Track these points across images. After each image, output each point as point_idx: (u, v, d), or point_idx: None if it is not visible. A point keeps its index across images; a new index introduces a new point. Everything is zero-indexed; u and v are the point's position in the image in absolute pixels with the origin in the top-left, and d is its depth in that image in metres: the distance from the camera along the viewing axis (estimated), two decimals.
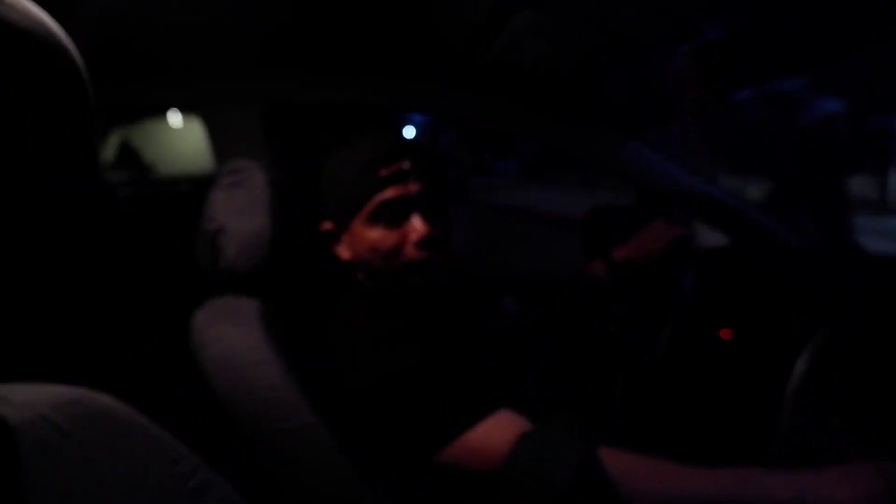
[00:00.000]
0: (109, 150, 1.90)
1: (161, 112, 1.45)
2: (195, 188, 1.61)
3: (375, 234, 0.92)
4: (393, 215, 0.91)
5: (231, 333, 0.95)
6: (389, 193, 0.90)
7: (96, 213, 0.49)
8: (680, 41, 1.15)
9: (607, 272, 1.29)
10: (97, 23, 1.05)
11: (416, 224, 0.91)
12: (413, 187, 0.91)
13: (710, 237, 1.71)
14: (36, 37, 0.38)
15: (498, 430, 0.80)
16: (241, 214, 0.99)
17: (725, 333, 1.29)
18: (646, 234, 1.31)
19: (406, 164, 0.91)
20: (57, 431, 0.44)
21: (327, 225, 0.99)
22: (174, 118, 1.84)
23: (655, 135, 1.65)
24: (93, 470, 0.46)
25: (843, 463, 0.84)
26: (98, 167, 0.50)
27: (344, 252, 0.99)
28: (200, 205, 1.04)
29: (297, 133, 1.43)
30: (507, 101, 1.47)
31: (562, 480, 0.72)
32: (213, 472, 0.59)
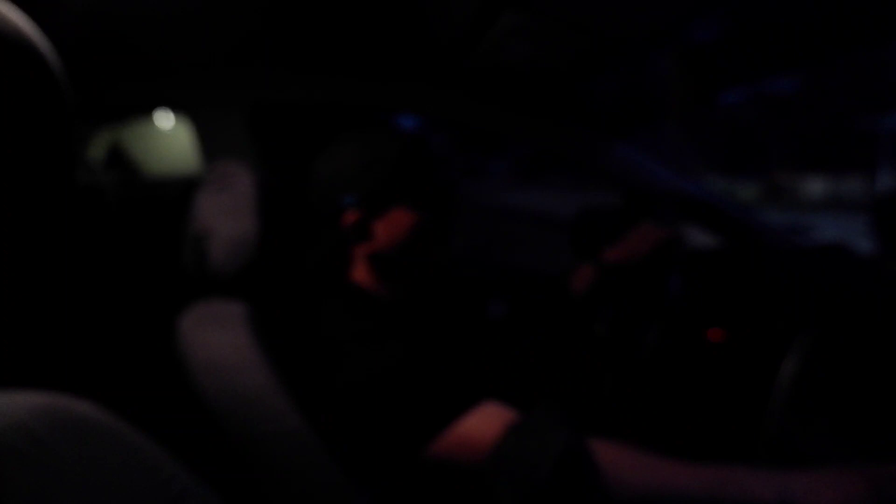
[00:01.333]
0: (99, 150, 1.89)
1: (147, 112, 1.44)
2: (183, 190, 1.60)
3: (418, 217, 0.95)
4: (441, 197, 0.97)
5: (217, 337, 0.94)
6: (442, 175, 0.97)
7: (86, 214, 0.49)
8: (666, 42, 1.16)
9: (595, 273, 1.30)
10: (81, 23, 1.04)
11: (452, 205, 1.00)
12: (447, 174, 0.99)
13: (699, 238, 1.72)
14: (10, 42, 0.38)
15: (484, 422, 0.81)
16: (227, 217, 0.99)
17: (713, 334, 1.30)
18: (633, 235, 1.32)
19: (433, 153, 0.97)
20: (31, 439, 0.44)
21: (353, 216, 0.96)
22: (164, 121, 1.83)
23: (643, 136, 1.66)
24: (67, 479, 0.46)
25: (828, 465, 0.85)
26: (73, 169, 0.50)
27: (371, 244, 0.98)
28: (188, 207, 1.04)
29: (283, 134, 1.42)
30: (494, 103, 1.47)
31: (546, 469, 0.72)
32: (194, 480, 0.58)
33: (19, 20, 0.40)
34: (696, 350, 1.23)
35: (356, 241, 0.98)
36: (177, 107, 1.27)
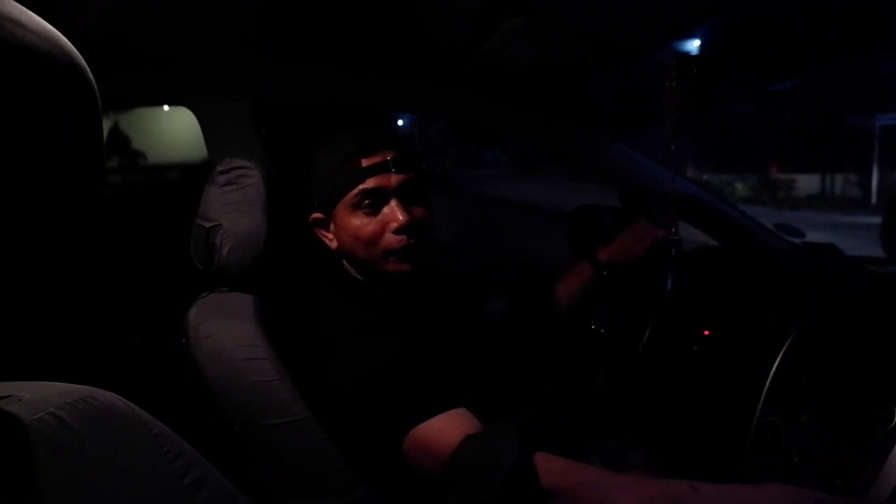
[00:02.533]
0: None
1: (152, 105, 1.45)
2: (184, 175, 1.62)
3: (357, 222, 0.97)
4: (373, 204, 0.96)
5: (224, 329, 0.97)
6: (371, 183, 0.95)
7: (93, 205, 0.51)
8: (665, 45, 1.19)
9: (592, 272, 1.33)
10: (87, 17, 1.05)
11: (395, 212, 0.96)
12: (394, 178, 0.96)
13: (694, 237, 1.75)
14: (53, 56, 0.40)
15: (448, 429, 0.84)
16: (235, 212, 1.01)
17: (705, 332, 1.33)
18: (629, 234, 1.35)
19: (387, 156, 0.96)
20: (66, 429, 0.47)
21: (316, 214, 1.03)
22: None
23: (640, 135, 1.68)
24: (98, 466, 0.49)
25: (809, 459, 0.89)
26: (105, 171, 0.52)
27: (331, 241, 1.03)
28: (189, 192, 1.06)
29: (287, 129, 1.44)
30: (496, 101, 1.49)
31: (493, 482, 0.75)
32: (210, 467, 0.62)
33: (60, 36, 0.43)
34: (688, 346, 1.26)
35: (320, 233, 1.04)
36: (182, 102, 1.28)
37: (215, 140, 1.26)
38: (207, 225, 1.02)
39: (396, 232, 0.96)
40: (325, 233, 1.04)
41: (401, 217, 0.95)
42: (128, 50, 1.16)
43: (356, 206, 0.96)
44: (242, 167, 1.05)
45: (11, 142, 0.39)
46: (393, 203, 0.96)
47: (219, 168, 1.05)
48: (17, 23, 0.38)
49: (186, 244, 1.06)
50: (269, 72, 1.30)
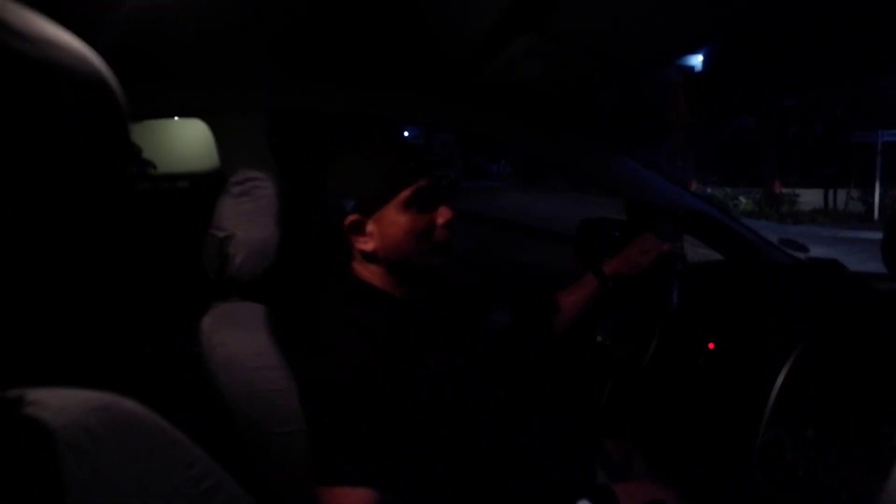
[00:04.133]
0: None
1: (165, 116, 1.47)
2: (193, 185, 1.63)
3: (408, 218, 1.00)
4: (426, 201, 1.01)
5: (237, 338, 0.98)
6: (423, 182, 1.00)
7: (120, 211, 0.53)
8: (671, 62, 1.21)
9: (598, 285, 1.34)
10: (107, 32, 1.07)
11: (444, 209, 1.03)
12: (437, 177, 1.05)
13: (698, 251, 1.76)
14: (84, 74, 0.42)
15: None
16: (248, 223, 1.03)
17: (710, 345, 1.34)
18: (635, 247, 1.36)
19: (428, 158, 1.02)
20: (89, 436, 0.48)
21: (353, 217, 1.02)
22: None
23: (646, 149, 1.70)
24: (118, 472, 0.50)
25: (812, 473, 0.89)
26: (131, 178, 0.55)
27: (367, 243, 1.03)
28: (197, 201, 1.07)
29: (300, 140, 1.46)
30: (504, 115, 1.51)
31: None
32: (224, 475, 0.63)
33: (90, 54, 0.45)
34: (694, 360, 1.27)
35: (353, 237, 1.04)
36: (196, 114, 1.30)
37: (228, 151, 1.28)
38: (221, 234, 1.03)
39: (446, 226, 1.03)
40: (359, 237, 1.03)
41: (449, 213, 1.03)
42: (143, 63, 1.18)
43: (409, 204, 1.00)
44: (256, 178, 1.07)
45: (48, 153, 0.41)
46: (440, 199, 1.03)
47: (233, 179, 1.07)
48: (54, 44, 0.40)
49: (195, 253, 1.07)
50: (282, 84, 1.32)
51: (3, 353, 0.45)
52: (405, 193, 0.99)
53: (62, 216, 0.45)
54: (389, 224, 1.01)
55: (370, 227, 1.02)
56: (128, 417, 0.53)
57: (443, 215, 1.03)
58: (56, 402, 0.49)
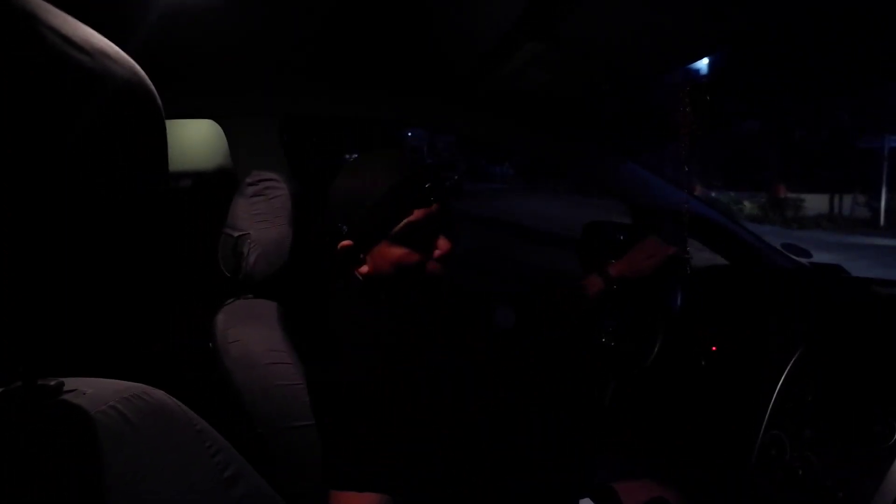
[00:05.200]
0: None
1: (182, 118, 1.49)
2: (196, 183, 1.66)
3: (401, 252, 0.94)
4: (419, 235, 0.94)
5: (251, 334, 1.01)
6: (417, 215, 0.93)
7: (159, 208, 0.56)
8: (676, 69, 1.23)
9: (602, 286, 1.36)
10: (131, 37, 1.10)
11: (441, 242, 0.96)
12: (434, 207, 0.95)
13: (702, 255, 1.78)
14: (133, 85, 0.45)
15: None
16: (262, 223, 1.06)
17: (713, 348, 1.36)
18: (640, 250, 1.38)
19: (426, 184, 0.95)
20: (124, 421, 0.51)
21: (346, 243, 0.97)
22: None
23: (650, 154, 1.72)
24: (149, 457, 0.53)
25: (811, 473, 0.91)
26: (168, 176, 0.58)
27: (362, 269, 0.99)
28: (202, 200, 1.10)
29: (312, 143, 1.49)
30: (511, 121, 1.54)
31: None
32: (245, 463, 0.66)
33: (136, 66, 0.48)
34: (696, 361, 1.29)
35: (347, 266, 1.00)
36: (210, 115, 1.33)
37: (242, 153, 1.31)
38: (236, 234, 1.06)
39: (440, 260, 0.96)
40: (352, 261, 0.99)
41: (446, 247, 0.96)
42: (162, 66, 1.21)
43: (400, 239, 0.93)
44: (270, 179, 1.10)
45: (100, 157, 0.44)
46: (436, 232, 0.96)
47: (247, 180, 1.10)
48: (108, 56, 0.43)
49: (200, 251, 1.10)
50: (296, 89, 1.35)
51: (35, 345, 0.48)
52: (396, 229, 0.93)
53: (109, 217, 0.48)
54: (380, 255, 0.96)
55: (365, 256, 0.98)
56: (159, 405, 0.56)
57: (440, 248, 0.96)
58: (91, 389, 0.52)
